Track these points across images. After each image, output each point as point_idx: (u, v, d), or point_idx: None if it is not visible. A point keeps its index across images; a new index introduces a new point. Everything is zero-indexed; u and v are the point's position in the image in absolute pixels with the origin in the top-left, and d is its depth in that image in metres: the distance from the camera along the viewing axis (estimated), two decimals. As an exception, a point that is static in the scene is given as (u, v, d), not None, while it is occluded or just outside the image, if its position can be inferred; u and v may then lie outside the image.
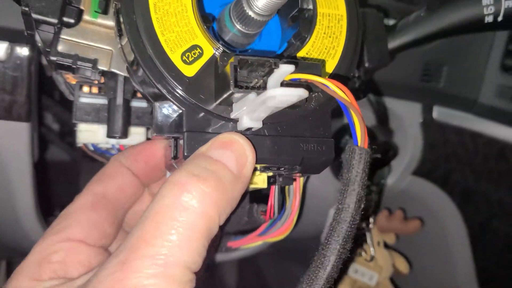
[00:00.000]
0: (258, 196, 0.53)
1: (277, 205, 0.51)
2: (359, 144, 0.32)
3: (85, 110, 0.49)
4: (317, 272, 0.31)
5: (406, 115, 0.71)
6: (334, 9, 0.40)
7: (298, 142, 0.37)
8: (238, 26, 0.37)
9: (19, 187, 0.57)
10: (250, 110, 0.33)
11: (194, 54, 0.35)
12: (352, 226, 0.31)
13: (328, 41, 0.39)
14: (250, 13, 0.36)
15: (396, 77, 0.67)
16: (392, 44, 0.50)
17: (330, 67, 0.39)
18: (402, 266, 0.74)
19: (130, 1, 0.34)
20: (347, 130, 0.69)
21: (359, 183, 0.32)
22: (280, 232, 0.54)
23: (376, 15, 0.49)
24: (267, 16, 0.36)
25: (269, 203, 0.51)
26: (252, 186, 0.41)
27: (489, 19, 0.47)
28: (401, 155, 0.73)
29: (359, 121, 0.32)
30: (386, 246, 0.74)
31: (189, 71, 0.34)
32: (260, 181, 0.41)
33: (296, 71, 0.32)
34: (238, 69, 0.32)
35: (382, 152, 0.66)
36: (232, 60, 0.31)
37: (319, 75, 0.33)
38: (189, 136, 0.34)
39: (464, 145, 0.72)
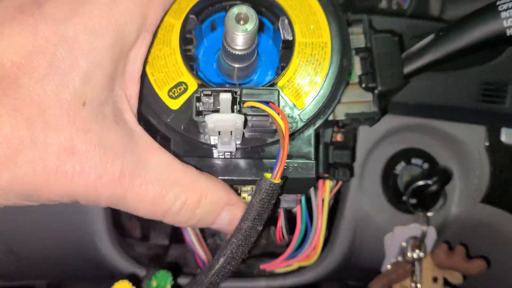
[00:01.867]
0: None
1: (284, 227, 0.53)
2: (273, 175, 0.34)
3: None
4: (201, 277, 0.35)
5: (469, 139, 0.67)
6: (318, 37, 0.43)
7: None
8: (224, 59, 0.42)
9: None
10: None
11: (180, 89, 0.41)
12: (240, 247, 0.35)
13: (311, 67, 0.42)
14: (229, 49, 0.41)
15: (452, 100, 0.64)
16: (409, 67, 0.50)
17: (314, 91, 0.42)
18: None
19: None
20: (403, 157, 0.68)
21: (256, 210, 0.34)
22: (307, 255, 0.56)
23: (389, 39, 0.49)
24: (244, 49, 0.40)
25: (277, 226, 0.54)
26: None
27: (511, 31, 0.45)
28: (466, 182, 0.68)
29: (283, 154, 0.34)
30: (451, 285, 0.68)
31: (174, 104, 0.40)
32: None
33: (255, 98, 0.36)
34: (206, 99, 0.37)
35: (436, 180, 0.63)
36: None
37: (275, 100, 0.36)
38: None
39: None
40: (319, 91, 0.42)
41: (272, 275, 0.61)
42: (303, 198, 0.52)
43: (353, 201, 0.67)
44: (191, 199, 0.35)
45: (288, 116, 0.41)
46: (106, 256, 0.65)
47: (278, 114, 0.35)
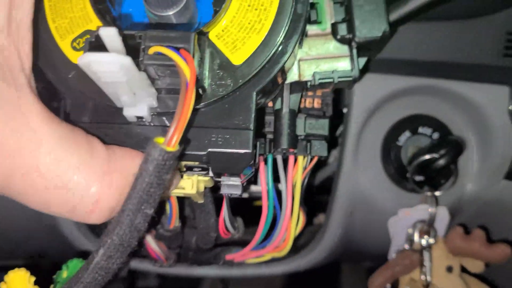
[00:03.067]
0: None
1: (228, 218, 0.45)
2: (166, 140, 0.25)
3: None
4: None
5: (489, 103, 0.55)
6: None
7: (203, 133, 0.31)
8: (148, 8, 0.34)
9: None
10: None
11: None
12: (124, 235, 0.26)
13: (253, 14, 0.32)
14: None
15: (469, 54, 0.52)
16: (396, 12, 0.39)
17: (254, 43, 0.32)
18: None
19: None
20: (408, 125, 0.57)
21: (143, 188, 0.25)
22: (276, 246, 0.47)
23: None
24: None
25: (220, 217, 0.45)
26: (179, 191, 0.36)
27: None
28: (486, 154, 0.57)
29: (181, 112, 0.25)
30: (471, 275, 0.58)
31: (77, 57, 0.32)
32: (188, 185, 0.36)
33: (163, 42, 0.27)
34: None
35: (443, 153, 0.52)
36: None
37: (190, 47, 0.27)
38: None
39: None
40: (262, 44, 0.32)
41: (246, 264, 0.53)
42: (270, 179, 0.42)
43: (347, 179, 0.57)
44: None
45: (220, 74, 0.31)
46: (67, 233, 0.59)
47: (185, 61, 0.26)
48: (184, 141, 0.30)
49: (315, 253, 0.60)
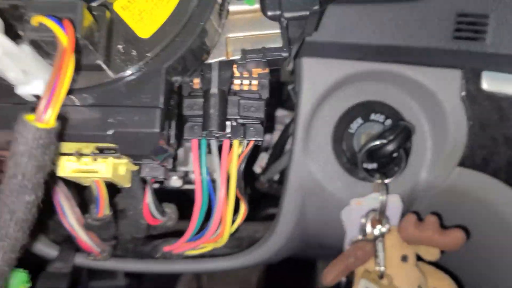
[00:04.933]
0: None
1: (153, 203, 0.42)
2: (37, 115, 0.23)
3: None
4: None
5: (441, 87, 0.53)
6: None
7: (107, 112, 0.29)
8: None
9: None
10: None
11: None
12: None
13: None
14: None
15: (418, 38, 0.51)
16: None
17: (163, 15, 0.30)
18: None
19: None
20: (359, 112, 0.56)
21: (18, 165, 0.23)
22: (211, 235, 0.45)
23: None
24: None
25: (143, 202, 0.42)
26: (93, 176, 0.34)
27: None
28: (439, 140, 0.55)
29: (56, 80, 0.23)
30: (427, 263, 0.56)
31: None
32: (102, 169, 0.33)
33: (46, 12, 0.25)
34: None
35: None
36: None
37: (77, 18, 0.25)
38: None
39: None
40: (172, 15, 0.30)
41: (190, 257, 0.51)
42: (203, 164, 0.40)
43: (297, 168, 0.55)
44: None
45: (126, 49, 0.29)
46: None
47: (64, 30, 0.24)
48: (66, 118, 0.28)
49: (266, 246, 0.58)
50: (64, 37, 0.23)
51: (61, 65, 0.23)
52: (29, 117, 0.23)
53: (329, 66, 0.53)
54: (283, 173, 0.68)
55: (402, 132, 0.50)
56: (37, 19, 0.24)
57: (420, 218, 0.54)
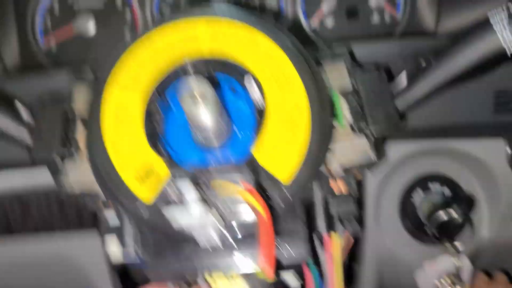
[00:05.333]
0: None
1: None
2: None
3: None
4: None
5: (489, 155, 0.60)
6: (290, 92, 0.38)
7: None
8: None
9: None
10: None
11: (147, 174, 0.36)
12: None
13: (287, 129, 0.37)
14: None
15: (464, 115, 0.58)
16: (404, 102, 0.45)
17: (295, 158, 0.37)
18: None
19: None
20: (419, 184, 0.62)
21: None
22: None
23: (376, 76, 0.44)
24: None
25: None
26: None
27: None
28: (494, 201, 0.62)
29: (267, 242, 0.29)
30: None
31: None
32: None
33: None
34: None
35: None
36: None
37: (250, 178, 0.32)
38: None
39: None
40: (304, 160, 0.36)
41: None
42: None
43: (372, 240, 0.61)
44: None
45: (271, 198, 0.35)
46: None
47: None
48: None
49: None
50: (258, 205, 0.30)
51: (267, 235, 0.29)
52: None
53: (391, 147, 0.60)
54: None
55: (466, 203, 0.56)
56: (218, 183, 0.31)
57: (489, 275, 0.60)
